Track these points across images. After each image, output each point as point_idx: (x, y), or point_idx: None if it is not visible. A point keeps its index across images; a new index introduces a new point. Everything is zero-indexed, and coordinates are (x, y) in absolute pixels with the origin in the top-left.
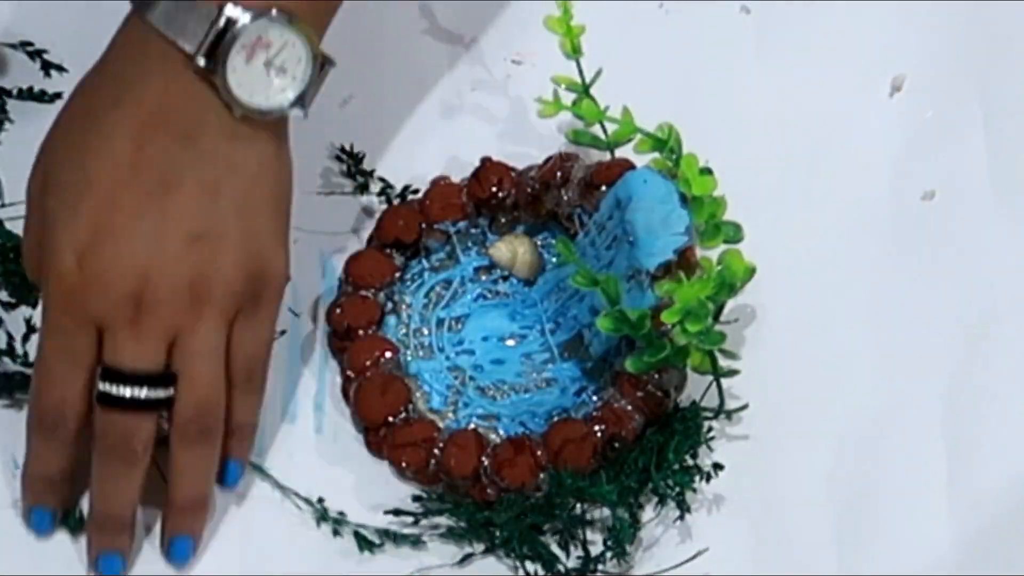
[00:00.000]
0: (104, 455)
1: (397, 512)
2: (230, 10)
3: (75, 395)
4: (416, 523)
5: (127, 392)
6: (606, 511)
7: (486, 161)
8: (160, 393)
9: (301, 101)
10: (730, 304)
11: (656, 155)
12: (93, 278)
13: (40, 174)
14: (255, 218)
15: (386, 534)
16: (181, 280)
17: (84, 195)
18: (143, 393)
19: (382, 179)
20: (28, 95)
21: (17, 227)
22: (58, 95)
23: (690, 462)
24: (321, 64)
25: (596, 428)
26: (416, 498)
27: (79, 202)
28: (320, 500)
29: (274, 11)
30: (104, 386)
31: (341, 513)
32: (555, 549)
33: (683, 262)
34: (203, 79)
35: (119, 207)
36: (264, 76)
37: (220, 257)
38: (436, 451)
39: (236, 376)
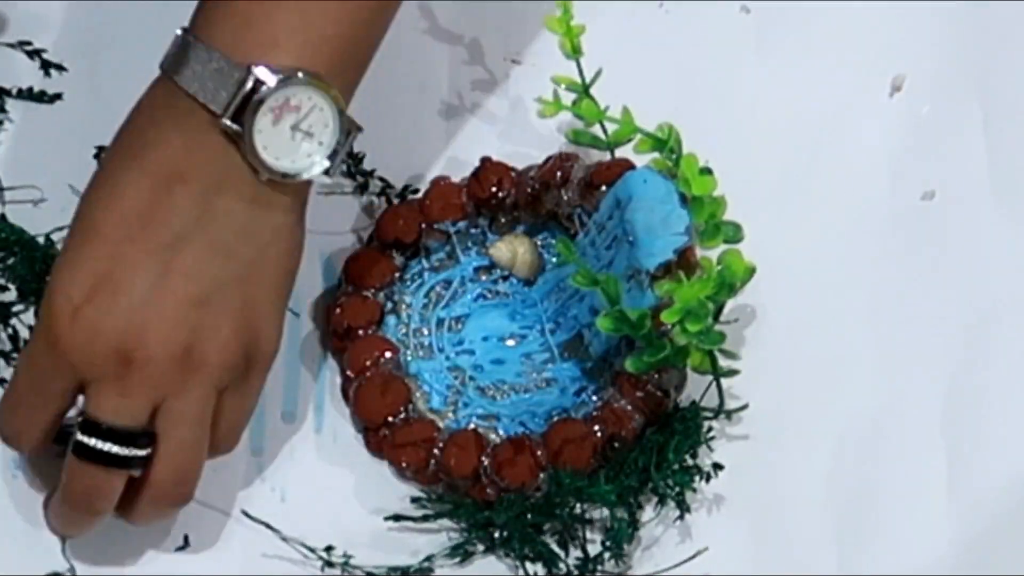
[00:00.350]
0: (68, 500)
1: (398, 517)
2: (259, 72)
3: (34, 431)
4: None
5: (105, 447)
6: (606, 511)
7: (486, 161)
8: (138, 452)
9: (327, 167)
10: (730, 304)
11: (656, 155)
12: (83, 330)
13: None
14: (259, 289)
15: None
16: (176, 345)
17: (88, 244)
18: (122, 451)
19: (382, 179)
20: (28, 95)
21: (19, 222)
22: (58, 95)
23: (690, 462)
24: (348, 131)
25: (596, 428)
26: (415, 499)
27: (82, 250)
28: (328, 548)
29: (301, 74)
30: (82, 437)
31: (347, 555)
32: (555, 549)
33: (683, 262)
34: (229, 140)
35: (122, 261)
36: (291, 140)
37: (219, 326)
38: (436, 451)
39: (215, 441)
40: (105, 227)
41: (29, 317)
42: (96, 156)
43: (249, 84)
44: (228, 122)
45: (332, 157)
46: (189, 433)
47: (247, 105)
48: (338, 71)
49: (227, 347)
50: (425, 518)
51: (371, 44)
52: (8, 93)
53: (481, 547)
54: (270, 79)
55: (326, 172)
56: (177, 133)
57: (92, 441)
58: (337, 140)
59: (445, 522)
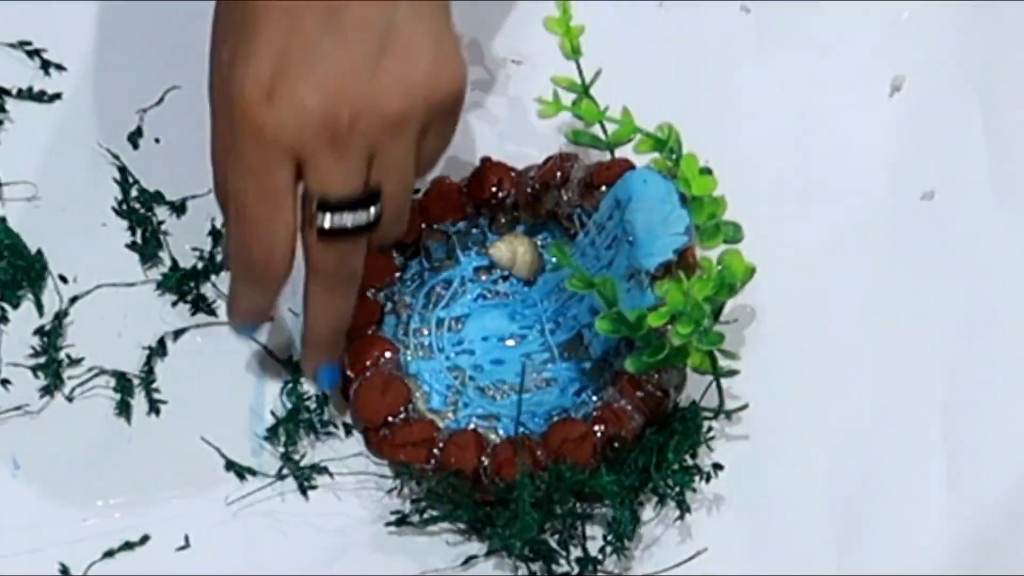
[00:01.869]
0: (323, 283)
1: (399, 522)
2: None
3: (284, 239)
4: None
5: (349, 221)
6: (606, 510)
7: (486, 161)
8: (372, 214)
9: None
10: (730, 304)
11: (656, 155)
12: (286, 107)
13: (215, 36)
14: (430, 23)
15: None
16: (377, 97)
17: (256, 28)
18: (362, 218)
19: None
20: (28, 95)
21: (18, 220)
22: (58, 95)
23: (690, 462)
24: None
25: (596, 428)
26: (415, 499)
27: (253, 36)
28: (329, 549)
29: None
30: (324, 219)
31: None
32: (555, 548)
33: (683, 262)
34: None
35: (294, 32)
36: None
37: (413, 68)
38: (436, 451)
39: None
40: (266, 12)
41: (10, 326)
42: None
43: None
44: None
45: None
46: (405, 177)
47: None
48: None
49: (426, 89)
50: (425, 521)
51: None
52: (8, 93)
53: (483, 549)
54: None
55: None
56: None
57: (337, 219)
58: None
59: (445, 523)
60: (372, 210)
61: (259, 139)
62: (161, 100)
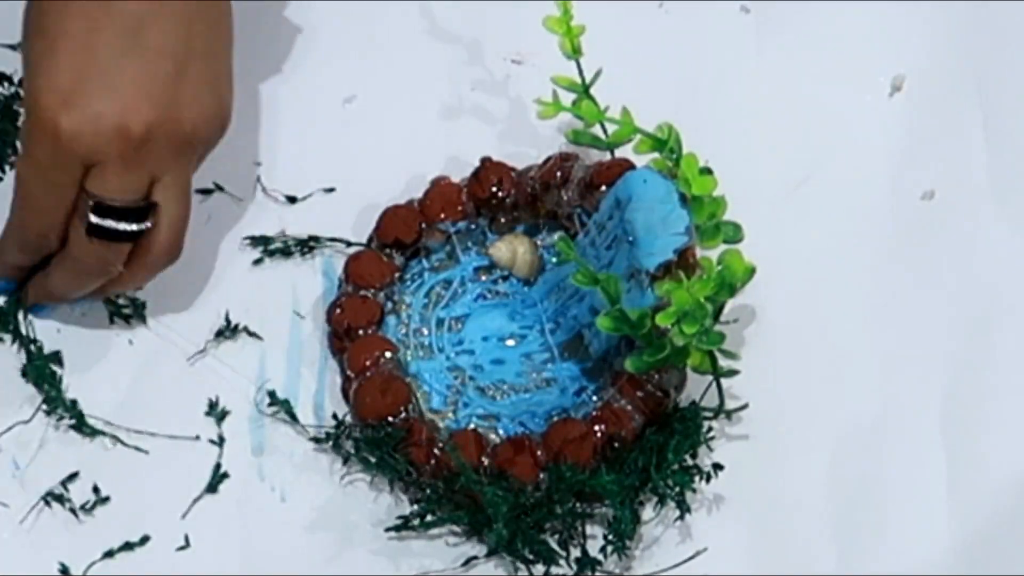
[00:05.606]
0: (71, 268)
1: (400, 527)
2: None
3: (59, 223)
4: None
5: (119, 226)
6: (605, 510)
7: (486, 161)
8: (146, 225)
9: None
10: (730, 304)
11: (656, 155)
12: (82, 114)
13: (25, 31)
14: (220, 61)
15: None
16: (171, 118)
17: (57, 44)
18: (132, 227)
19: None
20: None
21: None
22: None
23: (690, 462)
24: None
25: (596, 428)
26: (416, 500)
27: (54, 51)
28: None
29: None
30: (95, 219)
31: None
32: (555, 548)
33: (683, 262)
34: None
35: (94, 50)
36: None
37: (201, 99)
38: (436, 451)
39: None
40: (67, 24)
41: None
42: None
43: None
44: None
45: None
46: (185, 200)
47: None
48: None
49: (211, 119)
50: (426, 523)
51: None
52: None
53: (484, 549)
54: None
55: None
56: None
57: (106, 222)
58: None
59: (446, 524)
60: (142, 224)
61: (53, 143)
62: None
